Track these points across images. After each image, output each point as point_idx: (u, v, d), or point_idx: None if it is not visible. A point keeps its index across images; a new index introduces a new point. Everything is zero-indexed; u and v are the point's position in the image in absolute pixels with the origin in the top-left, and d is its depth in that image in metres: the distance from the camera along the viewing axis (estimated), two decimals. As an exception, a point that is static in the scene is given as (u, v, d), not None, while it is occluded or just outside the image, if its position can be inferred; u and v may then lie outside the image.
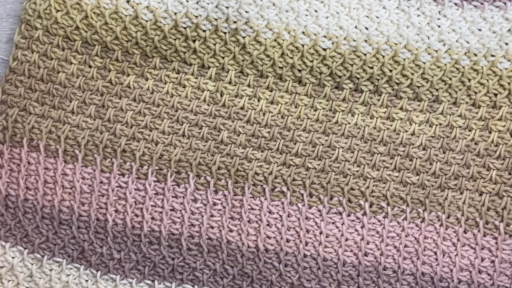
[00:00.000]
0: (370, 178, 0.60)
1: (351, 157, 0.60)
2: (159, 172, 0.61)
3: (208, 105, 0.61)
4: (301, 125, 0.61)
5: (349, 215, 0.60)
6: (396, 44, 0.61)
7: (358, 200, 0.60)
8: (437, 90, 0.61)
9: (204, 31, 0.61)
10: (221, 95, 0.61)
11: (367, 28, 0.61)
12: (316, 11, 0.61)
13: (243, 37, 0.61)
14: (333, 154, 0.60)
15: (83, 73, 0.62)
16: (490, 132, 0.61)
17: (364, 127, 0.61)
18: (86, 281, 0.60)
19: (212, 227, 0.60)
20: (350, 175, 0.60)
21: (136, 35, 0.61)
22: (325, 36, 0.61)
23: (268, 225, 0.60)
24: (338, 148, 0.60)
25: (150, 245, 0.60)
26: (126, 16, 0.61)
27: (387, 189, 0.60)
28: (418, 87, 0.60)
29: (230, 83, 0.61)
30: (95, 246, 0.60)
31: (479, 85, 0.61)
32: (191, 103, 0.61)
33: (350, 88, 0.61)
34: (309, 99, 0.61)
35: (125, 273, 0.60)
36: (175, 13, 0.61)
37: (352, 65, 0.60)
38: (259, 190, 0.60)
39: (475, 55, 0.61)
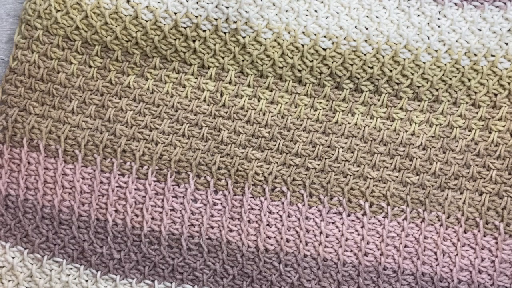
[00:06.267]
0: (370, 178, 0.60)
1: (351, 157, 0.60)
2: (159, 172, 0.61)
3: (208, 105, 0.61)
4: (301, 125, 0.61)
5: (349, 215, 0.60)
6: (396, 44, 0.61)
7: (358, 200, 0.60)
8: (437, 90, 0.61)
9: (204, 31, 0.61)
10: (221, 95, 0.61)
11: (367, 28, 0.61)
12: (316, 11, 0.61)
13: (243, 37, 0.60)
14: (333, 154, 0.60)
15: (83, 73, 0.62)
16: (490, 132, 0.61)
17: (364, 127, 0.61)
18: (86, 281, 0.60)
19: (212, 227, 0.60)
20: (350, 175, 0.60)
21: (136, 35, 0.61)
22: (325, 36, 0.61)
23: (268, 225, 0.60)
24: (338, 148, 0.60)
25: (150, 245, 0.60)
26: (126, 16, 0.61)
27: (387, 189, 0.60)
28: (418, 87, 0.60)
29: (230, 83, 0.61)
30: (95, 246, 0.60)
31: (479, 85, 0.61)
32: (191, 103, 0.61)
33: (350, 88, 0.61)
34: (309, 99, 0.61)
35: (125, 273, 0.60)
36: (175, 13, 0.61)
37: (352, 65, 0.60)
38: (259, 190, 0.60)
39: (475, 55, 0.61)
